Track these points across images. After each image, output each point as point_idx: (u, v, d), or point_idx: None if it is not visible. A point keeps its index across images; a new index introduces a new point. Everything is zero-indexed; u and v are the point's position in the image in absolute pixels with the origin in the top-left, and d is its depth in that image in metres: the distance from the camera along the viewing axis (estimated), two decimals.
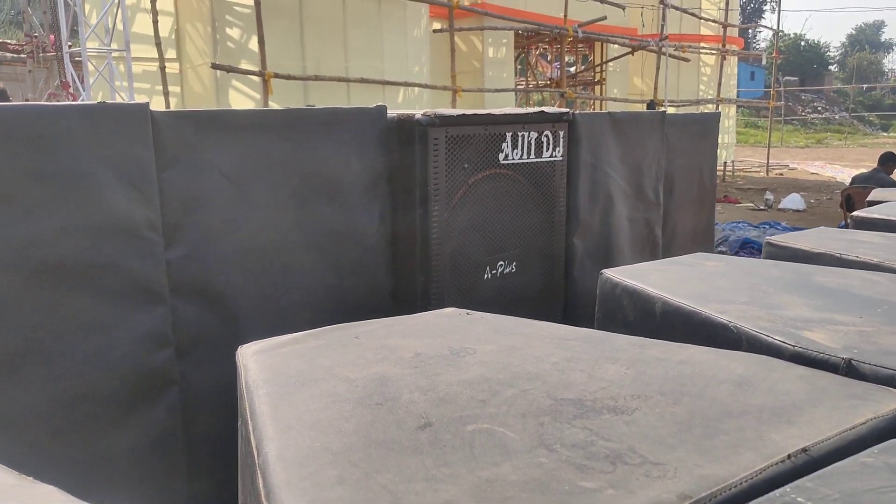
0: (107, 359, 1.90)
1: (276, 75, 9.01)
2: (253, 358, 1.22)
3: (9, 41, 14.08)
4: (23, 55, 12.99)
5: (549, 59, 16.53)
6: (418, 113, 2.47)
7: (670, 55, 14.01)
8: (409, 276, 2.55)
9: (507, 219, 2.81)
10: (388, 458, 0.87)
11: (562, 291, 3.07)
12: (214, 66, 9.38)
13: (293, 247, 2.28)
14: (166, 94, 9.46)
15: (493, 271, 2.79)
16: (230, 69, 9.38)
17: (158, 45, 9.64)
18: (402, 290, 2.57)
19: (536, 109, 2.85)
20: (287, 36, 10.12)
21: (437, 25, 11.43)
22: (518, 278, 2.88)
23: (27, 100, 11.32)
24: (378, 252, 2.52)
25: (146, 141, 1.92)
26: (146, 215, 1.94)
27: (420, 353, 1.23)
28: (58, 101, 10.85)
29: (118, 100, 9.40)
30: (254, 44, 9.56)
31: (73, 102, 1.74)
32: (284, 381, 1.11)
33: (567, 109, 2.97)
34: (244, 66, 9.94)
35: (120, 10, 9.62)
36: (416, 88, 9.94)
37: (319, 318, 1.85)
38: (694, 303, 1.46)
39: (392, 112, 2.53)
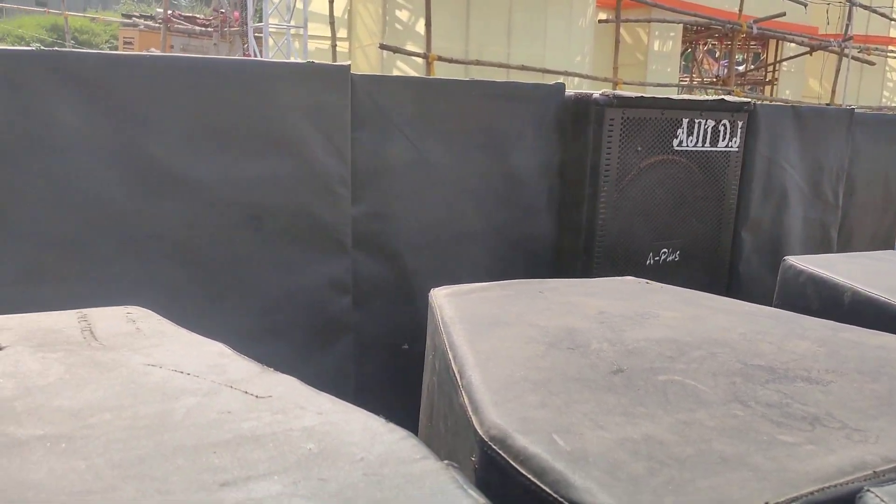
0: (295, 300, 2.06)
1: (440, 58, 9.17)
2: (446, 299, 1.30)
3: (197, 16, 15.13)
4: (209, 29, 13.95)
5: (716, 55, 15.88)
6: (596, 92, 2.49)
7: (853, 57, 13.09)
8: (573, 252, 2.58)
9: (675, 206, 2.78)
10: (585, 392, 0.92)
11: (724, 284, 3.00)
12: (382, 47, 9.68)
13: (466, 213, 2.37)
14: None
15: (656, 258, 2.76)
16: (396, 50, 9.66)
17: (332, 24, 10.07)
18: (565, 266, 2.60)
19: (716, 97, 2.79)
20: (453, 19, 10.30)
21: (602, 16, 11.25)
22: (681, 267, 2.84)
23: None
24: (545, 227, 2.57)
25: (345, 100, 2.06)
26: (339, 170, 2.08)
27: (604, 311, 1.27)
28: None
29: None
30: (420, 26, 9.80)
31: (281, 61, 1.90)
32: (478, 321, 1.18)
33: (748, 99, 2.89)
34: (410, 47, 10.21)
35: None
36: (576, 78, 9.85)
37: (484, 278, 1.92)
38: (888, 294, 1.41)
39: (569, 91, 2.56)
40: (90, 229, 1.72)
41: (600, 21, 11.15)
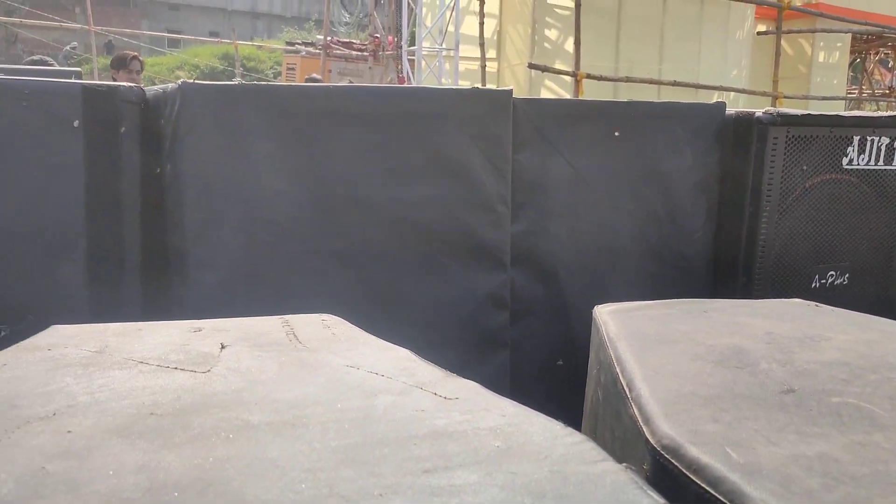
0: (456, 314, 2.17)
1: (588, 76, 9.14)
2: (610, 316, 1.35)
3: (354, 41, 15.88)
4: (365, 53, 14.61)
5: (889, 65, 14.82)
6: (759, 111, 2.45)
7: None
8: (731, 274, 2.54)
9: (843, 227, 2.66)
10: (756, 410, 0.95)
11: None
12: (531, 66, 9.77)
13: (621, 233, 2.39)
14: None
15: (823, 280, 2.66)
16: (545, 69, 9.71)
17: (482, 45, 10.27)
18: (723, 288, 2.56)
19: (893, 114, 2.65)
20: (602, 37, 10.25)
21: (761, 27, 10.81)
22: (849, 291, 2.72)
23: None
24: (701, 247, 2.54)
25: (507, 123, 2.15)
26: (500, 191, 2.17)
27: (771, 332, 1.27)
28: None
29: None
30: (569, 45, 9.81)
31: (446, 87, 2.03)
32: (644, 338, 1.23)
33: None
34: (558, 66, 10.25)
35: (453, 14, 10.42)
36: (733, 93, 9.51)
37: (640, 298, 1.94)
38: None
39: (730, 109, 2.53)
40: (279, 245, 1.91)
41: (759, 33, 10.72)
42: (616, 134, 2.32)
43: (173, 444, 0.79)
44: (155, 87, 1.93)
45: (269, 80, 23.28)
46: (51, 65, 5.94)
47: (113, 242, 1.83)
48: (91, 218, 1.79)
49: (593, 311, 1.41)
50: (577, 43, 8.55)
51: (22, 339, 1.20)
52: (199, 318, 1.35)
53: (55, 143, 1.76)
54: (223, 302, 1.82)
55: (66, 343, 1.11)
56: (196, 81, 1.90)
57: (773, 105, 9.77)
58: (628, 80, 9.25)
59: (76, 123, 1.78)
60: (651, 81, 9.23)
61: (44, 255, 1.76)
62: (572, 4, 9.15)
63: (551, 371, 2.32)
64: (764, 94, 9.82)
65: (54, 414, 0.86)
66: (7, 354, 1.07)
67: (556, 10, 11.27)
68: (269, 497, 0.68)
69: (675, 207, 2.45)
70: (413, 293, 2.12)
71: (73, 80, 1.86)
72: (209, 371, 1.01)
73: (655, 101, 8.83)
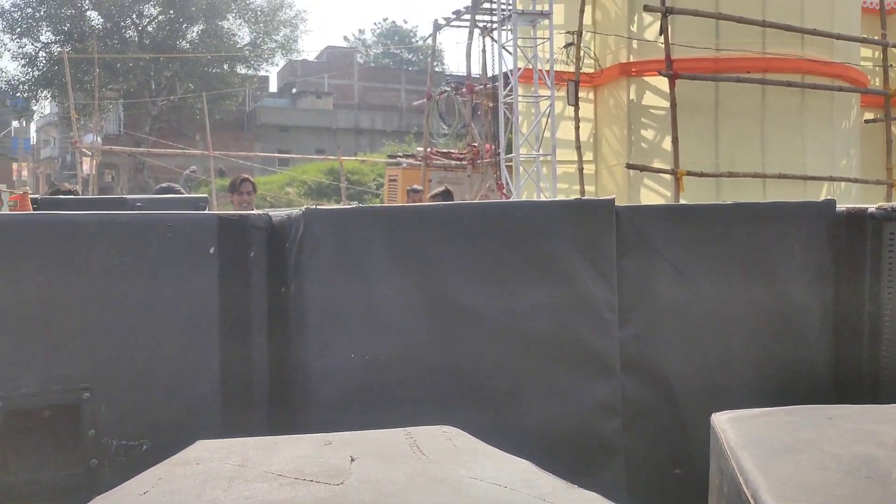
0: (566, 422, 2.17)
1: (689, 173, 9.09)
2: (729, 424, 1.34)
3: (452, 151, 16.45)
4: (463, 162, 15.09)
5: None
6: (872, 206, 2.40)
7: None
8: (855, 377, 2.44)
9: None
10: None
11: None
12: (628, 166, 9.84)
13: (734, 337, 2.35)
14: (582, 192, 10.18)
15: None
16: (643, 168, 9.75)
17: (578, 148, 10.45)
18: (845, 394, 2.45)
19: None
20: (701, 134, 10.24)
21: (868, 115, 10.56)
22: None
23: (463, 199, 13.01)
24: (819, 348, 2.46)
25: (610, 231, 2.20)
26: (606, 297, 2.20)
27: None
28: (489, 201, 12.37)
29: (542, 198, 10.41)
30: (667, 143, 9.85)
31: (552, 199, 2.12)
32: (767, 447, 1.21)
33: None
34: (657, 164, 10.27)
35: (548, 120, 10.71)
36: (843, 183, 9.24)
37: (755, 405, 1.89)
38: None
39: (841, 206, 2.49)
40: (397, 358, 1.99)
41: (867, 121, 10.47)
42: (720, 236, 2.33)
43: None
44: (280, 213, 2.10)
45: (372, 192, 24.29)
46: (178, 191, 6.45)
47: (243, 359, 1.96)
48: (224, 337, 1.93)
49: (711, 418, 1.40)
50: (675, 141, 8.59)
51: (161, 453, 1.31)
52: (322, 430, 1.42)
53: (194, 269, 1.93)
54: (344, 414, 1.90)
55: (211, 457, 1.20)
56: (318, 207, 2.06)
57: (889, 193, 9.41)
58: (731, 174, 9.15)
59: (212, 250, 1.95)
60: (755, 175, 9.09)
61: (182, 374, 1.90)
62: (667, 104, 9.25)
63: (669, 480, 2.26)
64: (878, 182, 9.50)
65: None
66: (161, 469, 1.17)
67: (652, 110, 11.40)
68: None
69: (788, 309, 2.40)
70: (523, 402, 2.14)
71: (209, 213, 2.05)
72: (343, 483, 1.07)
73: (761, 200, 8.69)
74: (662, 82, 9.49)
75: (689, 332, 2.31)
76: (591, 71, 11.67)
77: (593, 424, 2.21)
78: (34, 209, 4.19)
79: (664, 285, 2.30)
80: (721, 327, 2.34)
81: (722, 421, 1.36)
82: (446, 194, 7.10)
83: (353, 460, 1.18)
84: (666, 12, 8.17)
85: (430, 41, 18.60)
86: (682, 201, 8.55)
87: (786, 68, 9.42)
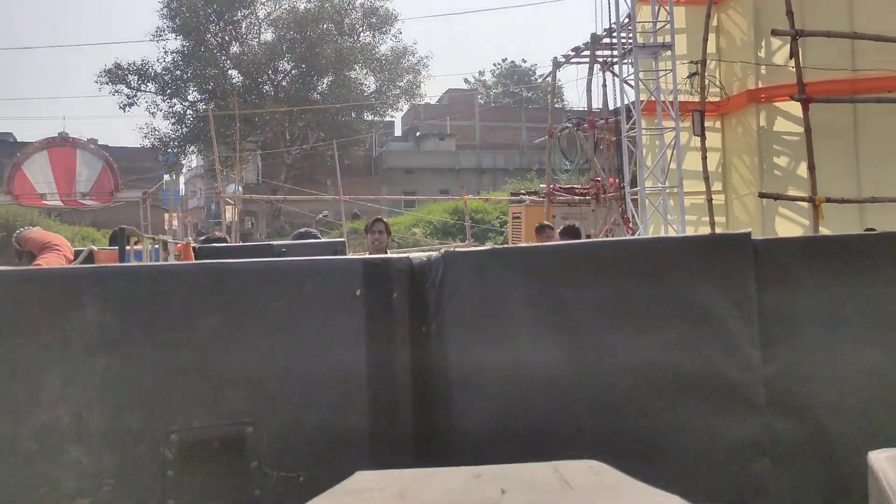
0: (709, 460, 2.13)
1: (828, 199, 8.63)
2: (889, 463, 1.30)
3: (575, 186, 16.39)
4: (587, 197, 15.01)
5: None
6: None
7: None
8: None
9: None
10: None
11: None
12: (761, 195, 9.48)
13: (885, 370, 2.24)
14: (712, 224, 9.89)
15: None
16: (778, 197, 9.38)
17: (706, 179, 10.18)
18: None
19: None
20: (839, 158, 9.75)
21: None
22: None
23: (588, 236, 12.94)
24: None
25: (748, 265, 2.17)
26: (746, 332, 2.16)
27: None
28: (613, 236, 12.22)
29: (670, 232, 10.19)
30: (801, 170, 9.44)
31: (686, 234, 2.12)
32: None
33: None
34: (791, 192, 9.86)
35: (674, 152, 10.52)
36: None
37: None
38: None
39: None
40: (536, 394, 2.04)
41: None
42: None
43: None
44: (420, 256, 2.21)
45: (496, 230, 24.47)
46: (315, 235, 6.82)
47: (388, 395, 2.07)
48: (371, 373, 2.04)
49: (868, 456, 1.36)
50: (811, 167, 8.21)
51: (316, 484, 1.41)
52: (464, 464, 1.49)
53: (342, 311, 2.07)
54: (487, 449, 1.96)
55: (371, 487, 1.29)
56: (455, 250, 2.16)
57: None
58: (875, 200, 8.64)
59: (358, 293, 2.08)
60: None
61: (334, 407, 2.02)
62: (801, 129, 8.88)
63: None
64: None
65: None
66: (327, 499, 1.27)
67: (784, 136, 10.98)
68: None
69: None
70: (664, 439, 2.12)
71: (356, 257, 2.19)
72: None
73: None
74: (794, 107, 9.14)
75: (836, 366, 2.22)
76: (717, 99, 11.39)
77: (738, 463, 2.16)
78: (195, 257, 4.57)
79: (808, 319, 2.23)
80: (871, 360, 2.24)
81: (881, 459, 1.32)
82: (572, 230, 7.12)
83: (503, 492, 1.23)
84: (796, 35, 7.89)
85: (549, 79, 18.71)
86: (822, 230, 8.13)
87: None
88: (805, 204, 8.93)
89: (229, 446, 1.94)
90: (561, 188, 16.27)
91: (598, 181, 14.06)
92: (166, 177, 40.77)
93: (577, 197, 15.55)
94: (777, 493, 2.17)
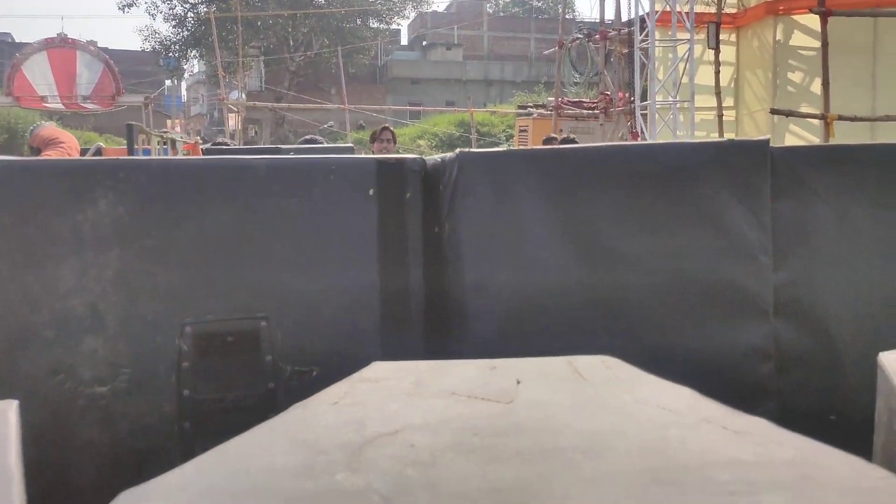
0: (716, 365, 2.16)
1: (840, 117, 8.50)
2: None
3: (584, 100, 16.13)
4: (595, 111, 14.79)
5: None
6: None
7: None
8: None
9: None
10: None
11: None
12: (773, 111, 9.34)
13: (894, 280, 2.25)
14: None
15: None
16: (790, 113, 9.23)
17: (718, 94, 10.01)
18: None
19: None
20: (855, 75, 9.55)
21: None
22: None
23: None
24: None
25: (765, 173, 2.15)
26: (760, 240, 2.16)
27: None
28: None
29: None
30: (816, 86, 9.27)
31: (703, 140, 2.09)
32: None
33: None
34: (804, 109, 9.70)
35: (687, 65, 10.30)
36: None
37: None
38: None
39: None
40: (547, 296, 2.05)
41: None
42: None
43: (499, 460, 0.92)
44: (434, 157, 2.18)
45: (502, 143, 24.23)
46: (320, 142, 6.75)
47: (400, 293, 2.08)
48: (384, 272, 2.05)
49: (878, 357, 1.38)
50: (826, 83, 8.05)
51: (329, 378, 1.43)
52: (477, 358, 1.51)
53: (355, 210, 2.06)
54: (497, 346, 1.98)
55: (388, 377, 1.31)
56: (471, 150, 2.13)
57: None
58: (889, 118, 8.50)
59: (371, 192, 2.06)
60: None
61: (345, 306, 2.04)
62: (817, 44, 8.65)
63: (823, 425, 2.21)
64: None
65: (396, 432, 1.04)
66: (345, 385, 1.29)
67: (800, 51, 10.72)
68: None
69: None
70: (673, 343, 2.15)
71: (368, 157, 2.16)
72: (512, 402, 1.15)
73: None
74: (813, 20, 8.89)
75: (848, 275, 2.23)
76: (734, 11, 11.07)
77: (745, 368, 2.19)
78: None
79: (822, 228, 2.22)
80: (883, 270, 2.24)
81: (892, 360, 1.34)
82: (569, 142, 7.04)
83: (519, 383, 1.25)
84: None
85: None
86: None
87: None
88: (816, 122, 8.81)
89: (244, 340, 1.97)
90: (569, 101, 16.01)
91: (608, 95, 13.84)
92: (168, 82, 40.07)
93: (585, 111, 15.33)
94: (780, 396, 2.21)
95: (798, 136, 10.22)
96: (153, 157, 4.24)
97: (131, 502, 0.84)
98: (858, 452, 1.41)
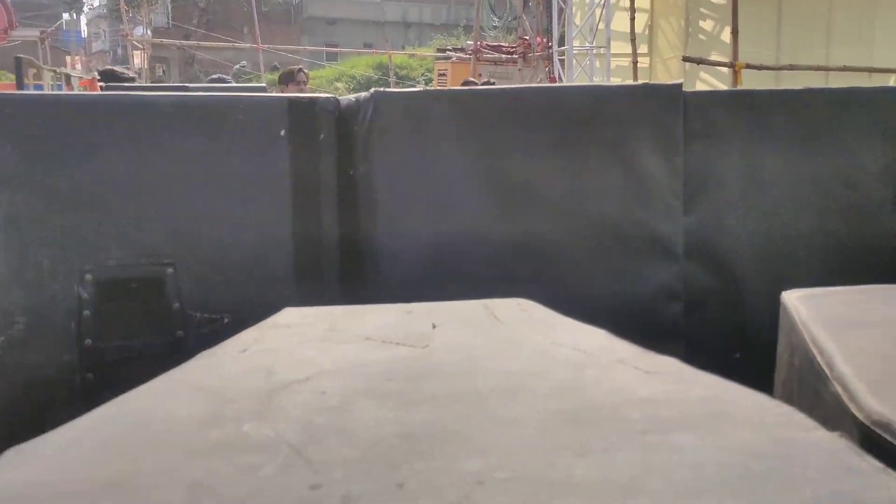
0: (626, 304, 2.21)
1: (748, 66, 8.72)
2: (800, 301, 1.36)
3: (503, 44, 16.04)
4: (514, 56, 14.73)
5: None
6: None
7: None
8: None
9: None
10: None
11: None
12: (685, 59, 9.52)
13: (801, 225, 2.32)
14: None
15: None
16: (700, 61, 9.43)
17: (633, 41, 10.12)
18: None
19: None
20: (762, 25, 9.80)
21: None
22: None
23: None
24: (887, 234, 2.43)
25: (677, 117, 2.17)
26: (671, 183, 2.19)
27: None
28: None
29: None
30: (726, 35, 9.49)
31: (618, 83, 2.10)
32: (839, 321, 1.23)
33: None
34: (714, 57, 9.91)
35: (603, 11, 10.34)
36: None
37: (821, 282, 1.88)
38: None
39: None
40: (463, 238, 2.03)
41: None
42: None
43: (413, 404, 0.91)
44: (348, 97, 2.11)
45: (420, 87, 23.94)
46: (229, 82, 6.48)
47: (314, 240, 2.03)
48: (297, 217, 1.99)
49: (781, 296, 1.42)
50: (735, 32, 8.23)
51: (241, 325, 1.38)
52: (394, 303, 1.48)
53: (266, 151, 1.98)
54: (413, 290, 1.96)
55: (301, 322, 1.27)
56: (386, 90, 2.07)
57: None
58: (792, 67, 8.77)
59: (282, 132, 1.98)
60: (818, 68, 8.72)
61: (257, 251, 1.97)
62: None
63: (728, 363, 2.29)
64: None
65: (307, 378, 1.01)
66: (255, 332, 1.24)
67: (712, 0, 10.90)
68: (510, 447, 0.78)
69: (859, 198, 2.36)
70: (585, 283, 2.18)
71: (280, 95, 2.07)
72: (428, 346, 1.13)
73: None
74: None
75: (755, 220, 2.29)
76: None
77: (654, 308, 2.24)
78: None
79: (731, 172, 2.27)
80: (789, 216, 2.32)
81: (793, 298, 1.38)
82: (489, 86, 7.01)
83: (434, 327, 1.23)
84: None
85: None
86: None
87: None
88: (726, 70, 9.03)
89: (149, 287, 1.88)
90: (488, 45, 15.89)
91: (527, 40, 13.80)
92: (66, 15, 37.65)
93: (504, 55, 15.25)
94: (688, 336, 2.28)
95: (708, 83, 10.46)
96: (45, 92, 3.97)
97: (19, 459, 0.79)
98: (762, 389, 1.47)
